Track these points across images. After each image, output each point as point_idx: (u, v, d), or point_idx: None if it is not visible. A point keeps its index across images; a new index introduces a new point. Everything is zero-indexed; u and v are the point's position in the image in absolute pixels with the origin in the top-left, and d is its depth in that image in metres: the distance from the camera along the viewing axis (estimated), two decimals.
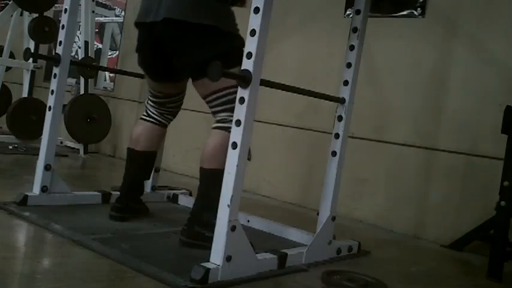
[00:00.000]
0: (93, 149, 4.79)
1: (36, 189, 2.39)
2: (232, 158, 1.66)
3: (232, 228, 1.65)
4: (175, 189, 3.07)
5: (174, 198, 2.98)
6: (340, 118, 2.18)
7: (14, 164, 3.77)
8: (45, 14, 4.35)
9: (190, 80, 2.16)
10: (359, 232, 2.86)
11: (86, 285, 1.55)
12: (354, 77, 2.18)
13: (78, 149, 4.58)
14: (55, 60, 2.38)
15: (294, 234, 2.41)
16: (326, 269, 1.99)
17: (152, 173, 2.81)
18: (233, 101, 2.04)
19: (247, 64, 1.65)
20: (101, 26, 5.46)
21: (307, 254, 2.05)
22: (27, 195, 2.33)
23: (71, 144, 4.69)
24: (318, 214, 2.21)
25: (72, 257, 1.82)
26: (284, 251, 1.98)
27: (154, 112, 2.39)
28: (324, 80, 3.21)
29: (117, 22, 5.28)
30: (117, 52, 5.11)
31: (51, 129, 2.40)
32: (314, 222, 2.23)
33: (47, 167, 2.39)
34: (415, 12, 3.11)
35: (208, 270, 1.60)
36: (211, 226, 1.75)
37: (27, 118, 4.27)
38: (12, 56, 4.78)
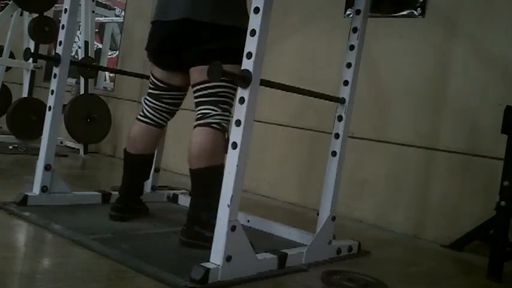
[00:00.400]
0: (93, 149, 4.79)
1: (36, 189, 2.39)
2: (232, 158, 1.66)
3: (232, 228, 1.65)
4: (175, 189, 3.07)
5: (174, 198, 2.98)
6: (340, 118, 2.18)
7: (14, 164, 3.77)
8: (45, 14, 4.35)
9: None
10: (359, 232, 2.86)
11: (86, 285, 1.55)
12: (354, 77, 2.18)
13: (78, 149, 4.58)
14: (55, 60, 2.38)
15: (294, 234, 2.41)
16: (326, 269, 1.99)
17: (152, 173, 2.82)
18: (221, 95, 2.05)
19: (247, 64, 1.65)
20: (101, 26, 5.46)
21: (307, 254, 2.05)
22: (27, 195, 2.33)
23: (71, 144, 4.69)
24: (318, 214, 2.21)
25: (72, 257, 1.82)
26: (284, 251, 1.98)
27: (151, 111, 2.33)
28: (324, 80, 3.21)
29: (117, 22, 5.28)
30: (117, 52, 5.11)
31: (51, 129, 2.40)
32: (314, 222, 2.23)
33: (47, 167, 2.39)
34: (415, 12, 3.11)
35: (208, 270, 1.60)
36: (210, 226, 1.75)
37: (27, 118, 4.27)
38: (12, 56, 4.78)
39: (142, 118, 2.35)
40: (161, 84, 2.30)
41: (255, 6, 1.65)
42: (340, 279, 1.90)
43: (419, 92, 3.06)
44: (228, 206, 1.64)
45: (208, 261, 1.66)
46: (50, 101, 2.39)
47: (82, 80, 4.54)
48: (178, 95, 2.34)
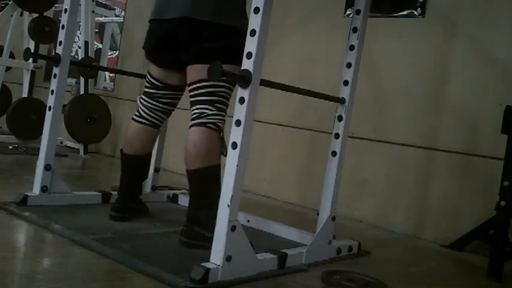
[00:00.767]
0: (93, 149, 4.79)
1: (36, 189, 2.39)
2: (232, 158, 1.65)
3: (232, 228, 1.65)
4: (175, 189, 3.07)
5: (174, 198, 2.98)
6: (340, 118, 2.18)
7: (14, 164, 3.77)
8: (45, 14, 4.35)
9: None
10: (359, 232, 2.86)
11: (86, 285, 1.55)
12: (354, 77, 2.18)
13: (78, 149, 4.58)
14: (55, 60, 2.38)
15: (294, 234, 2.41)
16: (326, 269, 1.99)
17: (152, 173, 2.82)
18: (217, 95, 2.05)
19: (247, 64, 1.65)
20: (101, 26, 5.46)
21: (307, 254, 2.05)
22: (27, 195, 2.33)
23: (71, 144, 4.69)
24: (318, 214, 2.21)
25: (72, 257, 1.82)
26: (284, 251, 1.98)
27: (147, 111, 2.31)
28: (324, 80, 3.21)
29: (117, 22, 5.28)
30: (117, 52, 5.11)
31: (51, 129, 2.40)
32: (314, 222, 2.23)
33: (47, 167, 2.39)
34: (415, 12, 3.11)
35: (208, 270, 1.60)
36: (210, 226, 1.75)
37: (27, 118, 4.27)
38: (12, 56, 4.78)
39: (137, 118, 2.34)
40: (158, 83, 2.29)
41: (255, 6, 1.65)
42: (340, 279, 1.90)
43: (419, 92, 3.06)
44: (228, 206, 1.64)
45: (208, 261, 1.66)
46: (50, 101, 2.39)
47: (82, 80, 4.54)
48: (175, 94, 2.32)
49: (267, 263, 1.87)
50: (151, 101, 2.32)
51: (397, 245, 2.78)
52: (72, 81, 4.90)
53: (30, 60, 4.53)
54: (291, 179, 3.56)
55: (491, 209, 2.33)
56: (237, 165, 1.64)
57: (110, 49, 5.43)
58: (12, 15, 4.51)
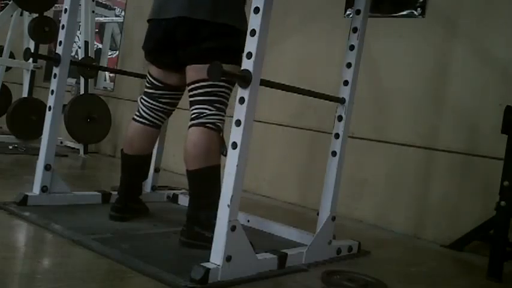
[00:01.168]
0: (93, 149, 4.79)
1: (36, 189, 2.39)
2: (232, 158, 1.65)
3: (232, 228, 1.65)
4: (175, 189, 3.07)
5: (174, 198, 2.98)
6: (340, 118, 2.18)
7: (14, 164, 3.77)
8: (45, 14, 4.35)
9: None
10: (359, 232, 2.86)
11: (86, 285, 1.55)
12: (354, 77, 2.18)
13: (78, 149, 4.58)
14: (55, 60, 2.38)
15: (294, 234, 2.41)
16: (326, 269, 1.99)
17: (152, 173, 2.82)
18: (217, 95, 2.05)
19: (247, 64, 1.65)
20: (101, 26, 5.46)
21: (307, 254, 2.05)
22: (27, 195, 2.33)
23: (71, 144, 4.69)
24: (318, 214, 2.21)
25: (72, 257, 1.82)
26: (284, 251, 1.98)
27: (147, 111, 2.31)
28: (324, 80, 3.21)
29: (117, 22, 5.28)
30: (117, 52, 5.12)
31: (51, 129, 2.40)
32: (314, 222, 2.23)
33: (47, 167, 2.39)
34: (415, 12, 3.11)
35: (208, 270, 1.60)
36: (210, 226, 1.75)
37: (27, 118, 4.27)
38: (12, 56, 4.79)
39: (138, 118, 2.34)
40: (158, 84, 2.29)
41: (255, 6, 1.65)
42: (340, 279, 1.90)
43: (419, 92, 3.06)
44: (228, 206, 1.64)
45: (208, 261, 1.66)
46: (50, 101, 2.39)
47: (82, 80, 4.54)
48: (175, 94, 2.32)
49: (267, 263, 1.87)
50: (152, 101, 2.32)
51: (397, 245, 2.78)
52: (72, 81, 4.90)
53: (30, 60, 4.53)
54: (291, 179, 3.55)
55: (491, 209, 2.33)
56: (237, 165, 1.64)
57: (110, 49, 5.43)
58: (12, 15, 4.51)
